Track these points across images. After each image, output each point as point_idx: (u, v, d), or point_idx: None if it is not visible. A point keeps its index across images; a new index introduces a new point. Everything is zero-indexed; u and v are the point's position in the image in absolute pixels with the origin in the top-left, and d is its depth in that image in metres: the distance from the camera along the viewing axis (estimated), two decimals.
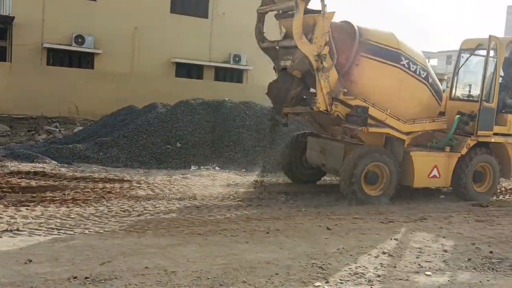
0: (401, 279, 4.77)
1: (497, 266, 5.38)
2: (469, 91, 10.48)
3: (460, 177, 9.22)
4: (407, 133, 8.95)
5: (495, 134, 9.48)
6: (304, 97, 9.12)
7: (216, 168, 11.49)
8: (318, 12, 8.07)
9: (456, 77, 10.51)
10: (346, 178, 8.37)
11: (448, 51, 62.97)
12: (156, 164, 11.28)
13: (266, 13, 9.12)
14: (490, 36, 9.28)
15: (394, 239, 6.26)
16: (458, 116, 9.45)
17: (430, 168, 9.04)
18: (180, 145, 11.98)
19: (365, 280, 4.71)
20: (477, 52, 10.00)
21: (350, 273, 4.89)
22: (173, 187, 9.12)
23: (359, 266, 5.12)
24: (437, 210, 8.35)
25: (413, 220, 7.46)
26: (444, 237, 6.46)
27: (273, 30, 9.64)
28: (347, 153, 8.68)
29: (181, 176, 10.25)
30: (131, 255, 5.07)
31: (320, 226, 6.81)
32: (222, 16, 22.39)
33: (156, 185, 9.15)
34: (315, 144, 9.64)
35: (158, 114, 12.97)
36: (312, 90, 8.92)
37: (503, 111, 9.67)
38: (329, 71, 8.16)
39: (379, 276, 4.85)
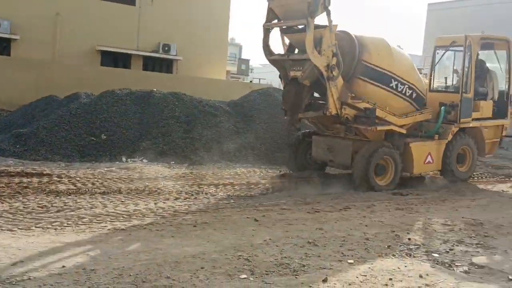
0: (324, 268, 4.86)
1: (414, 252, 5.63)
2: (446, 83, 11.61)
3: (448, 161, 10.53)
4: (403, 126, 10.03)
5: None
6: (311, 102, 9.97)
7: (144, 160, 11.19)
8: (324, 27, 8.87)
9: (433, 72, 11.50)
10: (360, 172, 9.38)
11: None
12: (79, 157, 10.81)
13: (272, 28, 9.87)
14: (466, 35, 10.54)
15: (320, 228, 6.38)
16: (443, 107, 10.52)
17: (425, 155, 10.26)
18: (105, 137, 11.54)
19: (290, 270, 4.75)
20: (449, 48, 11.21)
21: (276, 264, 4.91)
22: (97, 181, 8.78)
23: (285, 257, 5.15)
24: (360, 200, 8.62)
25: (337, 209, 7.66)
26: (366, 226, 6.67)
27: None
28: (355, 150, 9.70)
29: (106, 169, 9.88)
30: (47, 254, 4.79)
31: (248, 218, 6.81)
32: (150, 4, 21.81)
33: (78, 179, 8.77)
34: (321, 143, 10.50)
35: (81, 104, 12.41)
36: (315, 95, 10.11)
37: (476, 99, 10.88)
38: (337, 79, 9.01)
39: (303, 266, 4.91)
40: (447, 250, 5.77)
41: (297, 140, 11.04)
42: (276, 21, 9.69)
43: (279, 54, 9.94)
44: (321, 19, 8.86)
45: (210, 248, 5.31)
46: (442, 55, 11.41)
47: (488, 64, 11.56)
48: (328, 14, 8.79)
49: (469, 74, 10.55)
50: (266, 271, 4.72)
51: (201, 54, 23.25)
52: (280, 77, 10.23)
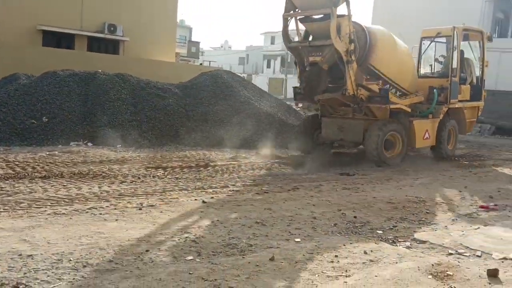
0: (272, 247, 4.86)
1: (360, 229, 5.74)
2: (433, 70, 13.20)
3: (441, 137, 11.99)
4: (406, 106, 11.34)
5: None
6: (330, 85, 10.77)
7: (89, 144, 10.83)
8: (342, 16, 9.87)
9: (420, 60, 13.22)
10: (372, 147, 10.56)
11: None
12: (19, 141, 10.32)
13: (291, 17, 10.71)
14: (453, 26, 12.06)
15: (268, 209, 6.38)
16: (435, 89, 11.79)
17: (424, 131, 11.60)
18: (46, 119, 11.06)
19: (238, 251, 4.72)
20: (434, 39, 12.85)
21: (223, 245, 4.87)
22: (38, 165, 8.41)
23: (233, 237, 5.12)
24: (309, 180, 8.72)
25: (286, 190, 7.70)
26: (314, 205, 6.74)
27: None
28: (365, 128, 10.86)
29: (47, 153, 9.49)
30: None
31: (195, 200, 6.72)
32: None
33: (17, 163, 8.37)
34: (331, 124, 11.60)
35: (20, 85, 11.83)
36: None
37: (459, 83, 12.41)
38: (353, 63, 10.03)
39: (251, 245, 4.89)
40: (391, 227, 5.92)
41: (306, 122, 12.28)
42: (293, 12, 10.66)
43: (298, 41, 10.91)
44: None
45: (156, 230, 5.19)
46: (428, 45, 12.98)
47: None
48: (348, 4, 9.87)
49: (456, 61, 12.04)
50: (213, 252, 4.67)
51: (149, 35, 22.67)
52: (295, 63, 11.30)
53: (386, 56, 10.79)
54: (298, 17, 10.67)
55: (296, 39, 11.08)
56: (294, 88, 11.42)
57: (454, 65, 12.05)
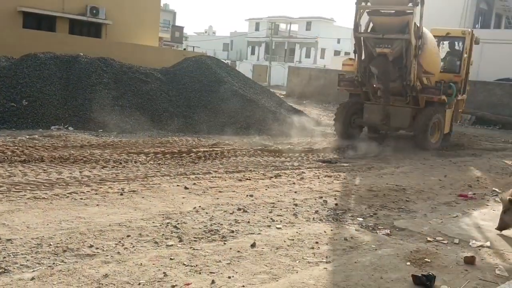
0: (253, 233, 4.89)
1: (340, 216, 5.80)
2: (444, 67, 13.83)
3: (452, 125, 13.88)
4: None
5: None
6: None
7: (70, 128, 10.68)
8: (411, 13, 10.93)
9: None
10: (421, 132, 11.92)
11: (308, 17, 65.98)
12: None
13: (363, 10, 11.58)
14: (466, 30, 13.93)
15: (250, 195, 6.40)
16: (451, 84, 12.58)
17: (449, 119, 13.28)
18: (26, 103, 10.86)
19: (219, 236, 4.74)
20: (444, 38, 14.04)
21: (204, 231, 4.88)
22: (17, 149, 8.27)
23: (214, 223, 5.13)
24: (291, 167, 8.75)
25: (268, 177, 7.72)
26: (295, 192, 6.79)
27: None
28: (412, 115, 12.19)
29: (27, 137, 9.34)
30: None
31: (178, 186, 6.71)
32: None
33: None
34: (375, 110, 12.40)
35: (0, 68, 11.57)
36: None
37: None
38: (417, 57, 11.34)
39: (232, 232, 4.91)
40: (371, 214, 6.00)
41: (346, 107, 13.06)
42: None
43: (369, 32, 11.79)
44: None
45: (137, 216, 5.18)
46: (439, 43, 13.65)
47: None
48: (422, 4, 10.85)
49: (462, 60, 13.47)
50: (195, 237, 4.68)
51: (132, 19, 22.35)
52: (354, 52, 12.22)
53: (430, 55, 12.03)
54: (367, 10, 11.55)
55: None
56: (341, 75, 13.18)
57: (462, 63, 13.52)
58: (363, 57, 11.95)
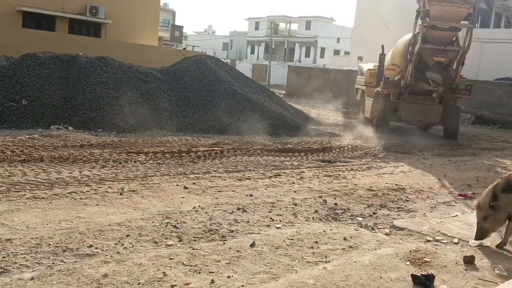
0: (252, 233, 4.89)
1: (340, 216, 5.81)
2: None
3: None
4: None
5: None
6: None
7: (69, 128, 10.68)
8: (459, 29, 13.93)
9: None
10: (454, 125, 14.71)
11: (308, 17, 65.98)
12: None
13: (428, 25, 13.38)
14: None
15: (249, 195, 6.41)
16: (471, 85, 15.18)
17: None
18: (26, 102, 10.87)
19: (218, 236, 4.74)
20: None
21: (204, 230, 4.88)
22: (17, 148, 8.27)
23: (214, 223, 5.14)
24: (291, 167, 8.76)
25: (268, 176, 7.73)
26: (295, 192, 6.79)
27: None
28: (442, 112, 14.50)
29: (27, 136, 9.34)
30: None
31: (177, 185, 6.71)
32: None
33: None
34: (412, 108, 14.45)
35: None
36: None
37: None
38: None
39: (232, 231, 4.92)
40: (371, 213, 6.01)
41: (387, 107, 14.61)
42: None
43: (431, 45, 13.52)
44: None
45: (137, 216, 5.18)
46: None
47: None
48: (474, 23, 14.30)
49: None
50: (194, 237, 4.68)
51: (131, 18, 22.37)
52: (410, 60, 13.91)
53: None
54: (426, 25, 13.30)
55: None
56: (385, 78, 14.59)
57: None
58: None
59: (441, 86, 13.82)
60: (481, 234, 4.95)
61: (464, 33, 13.89)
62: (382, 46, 16.10)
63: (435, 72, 13.72)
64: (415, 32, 13.78)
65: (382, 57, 16.02)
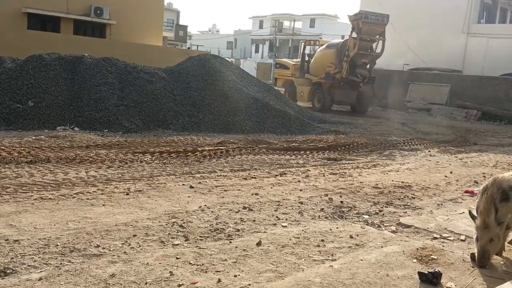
0: (259, 232, 4.90)
1: (346, 214, 5.80)
2: None
3: None
4: None
5: None
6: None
7: (75, 128, 10.74)
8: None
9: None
10: (365, 104, 21.77)
11: (312, 14, 65.83)
12: (5, 125, 10.20)
13: (359, 39, 20.09)
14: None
15: (255, 194, 6.41)
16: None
17: None
18: (32, 104, 10.93)
19: (225, 235, 4.75)
20: None
21: (210, 230, 4.89)
22: (24, 149, 8.32)
23: (220, 222, 5.15)
24: (297, 165, 8.76)
25: (274, 175, 7.73)
26: (301, 190, 6.79)
27: None
28: (358, 96, 21.75)
29: (33, 138, 9.39)
30: None
31: (183, 185, 6.72)
32: None
33: (3, 148, 8.26)
34: (342, 93, 21.01)
35: (5, 69, 11.65)
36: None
37: None
38: None
39: (238, 230, 4.92)
40: (377, 211, 6.00)
41: (328, 92, 20.64)
42: None
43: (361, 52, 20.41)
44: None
45: (143, 215, 5.20)
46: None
47: None
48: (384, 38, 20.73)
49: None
50: (201, 236, 4.69)
51: (136, 18, 22.41)
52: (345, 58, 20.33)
53: None
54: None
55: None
56: (328, 73, 20.53)
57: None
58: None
59: (365, 78, 20.11)
60: (487, 258, 4.21)
61: (379, 44, 20.33)
62: (303, 45, 23.71)
63: (363, 69, 19.98)
64: (349, 41, 19.88)
65: (303, 54, 23.15)
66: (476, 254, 4.25)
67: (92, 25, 21.81)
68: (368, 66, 20.09)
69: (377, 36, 19.72)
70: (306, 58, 22.72)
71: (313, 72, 21.47)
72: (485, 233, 4.17)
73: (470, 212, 4.45)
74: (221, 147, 9.96)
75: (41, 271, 3.67)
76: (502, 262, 4.41)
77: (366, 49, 19.72)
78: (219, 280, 3.68)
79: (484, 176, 8.64)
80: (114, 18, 21.72)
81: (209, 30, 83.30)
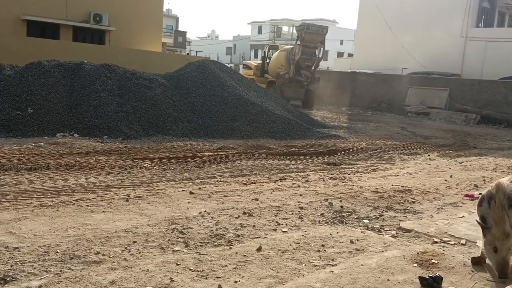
0: (259, 237, 4.89)
1: (346, 219, 5.80)
2: None
3: None
4: None
5: None
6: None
7: (75, 135, 10.74)
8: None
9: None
10: (312, 100, 24.92)
11: (311, 19, 65.99)
12: (4, 133, 10.19)
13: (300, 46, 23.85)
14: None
15: (255, 199, 6.41)
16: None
17: None
18: (32, 111, 10.93)
19: (225, 241, 4.75)
20: None
21: (210, 235, 4.89)
22: (24, 156, 8.32)
23: (220, 228, 5.14)
24: (296, 170, 8.76)
25: (273, 180, 7.73)
26: (301, 195, 6.79)
27: None
28: (305, 93, 24.83)
29: (33, 144, 9.39)
30: None
31: (183, 191, 6.72)
32: None
33: (2, 155, 8.26)
34: (291, 90, 24.02)
35: (5, 76, 11.66)
36: None
37: None
38: None
39: (238, 236, 4.92)
40: (377, 216, 5.99)
41: (279, 90, 22.92)
42: None
43: (311, 56, 24.63)
44: None
45: (143, 222, 5.19)
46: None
47: None
48: (324, 44, 24.45)
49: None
50: (201, 242, 4.68)
51: (135, 25, 22.48)
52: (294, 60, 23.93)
53: None
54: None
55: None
56: (279, 74, 23.75)
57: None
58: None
59: (309, 79, 23.38)
60: (507, 270, 4.04)
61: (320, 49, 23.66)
62: (268, 49, 27.04)
63: (306, 70, 23.35)
64: (295, 47, 23.10)
65: (263, 57, 26.74)
66: (496, 266, 4.08)
67: (91, 32, 21.86)
68: (312, 68, 23.82)
69: (319, 44, 23.26)
70: (267, 61, 26.04)
71: (270, 72, 24.97)
72: (506, 243, 4.00)
73: (478, 222, 4.26)
74: (221, 153, 9.96)
75: (41, 279, 3.66)
76: None
77: (310, 54, 23.23)
78: (220, 286, 3.67)
79: (484, 180, 8.64)
80: (113, 25, 21.77)
81: (208, 36, 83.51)
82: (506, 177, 4.55)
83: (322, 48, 23.54)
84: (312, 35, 22.64)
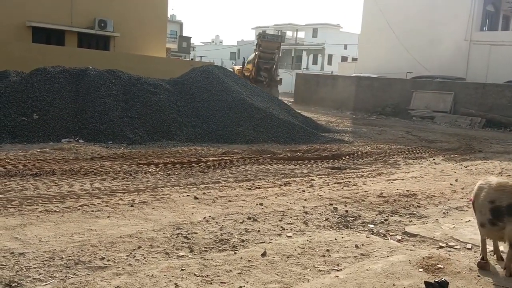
0: (263, 242, 4.88)
1: (351, 223, 5.78)
2: None
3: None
4: None
5: None
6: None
7: (80, 141, 10.77)
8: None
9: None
10: (274, 94, 24.97)
11: (314, 24, 66.06)
12: (10, 138, 10.23)
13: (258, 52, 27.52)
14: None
15: (259, 204, 6.40)
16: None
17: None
18: (37, 116, 10.98)
19: (230, 246, 4.74)
20: None
21: (215, 241, 4.88)
22: (29, 162, 8.35)
23: (225, 233, 5.14)
24: (301, 175, 8.74)
25: (278, 185, 7.72)
26: (305, 200, 6.77)
27: None
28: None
29: (38, 150, 9.42)
30: None
31: (188, 196, 6.72)
32: None
33: (8, 161, 8.30)
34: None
35: (10, 83, 11.72)
36: None
37: None
38: None
39: (243, 241, 4.91)
40: (382, 220, 5.97)
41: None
42: None
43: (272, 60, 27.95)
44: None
45: (148, 227, 5.20)
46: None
47: None
48: (279, 50, 28.97)
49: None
50: (205, 248, 4.68)
51: (139, 30, 22.58)
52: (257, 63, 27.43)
53: None
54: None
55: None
56: (245, 74, 26.33)
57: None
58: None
59: (267, 79, 26.17)
60: None
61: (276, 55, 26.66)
62: (244, 58, 31.09)
63: (265, 72, 26.22)
64: (256, 54, 26.42)
65: (243, 63, 29.44)
66: None
67: (96, 38, 21.97)
68: (273, 71, 26.96)
69: (276, 50, 26.74)
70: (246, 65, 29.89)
71: (245, 75, 27.64)
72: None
73: None
74: (225, 158, 9.96)
75: (46, 284, 3.67)
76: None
77: (268, 59, 26.48)
78: None
79: None
80: (118, 31, 21.87)
81: (212, 41, 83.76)
82: (495, 178, 4.51)
83: (277, 54, 27.32)
84: (268, 42, 26.39)
